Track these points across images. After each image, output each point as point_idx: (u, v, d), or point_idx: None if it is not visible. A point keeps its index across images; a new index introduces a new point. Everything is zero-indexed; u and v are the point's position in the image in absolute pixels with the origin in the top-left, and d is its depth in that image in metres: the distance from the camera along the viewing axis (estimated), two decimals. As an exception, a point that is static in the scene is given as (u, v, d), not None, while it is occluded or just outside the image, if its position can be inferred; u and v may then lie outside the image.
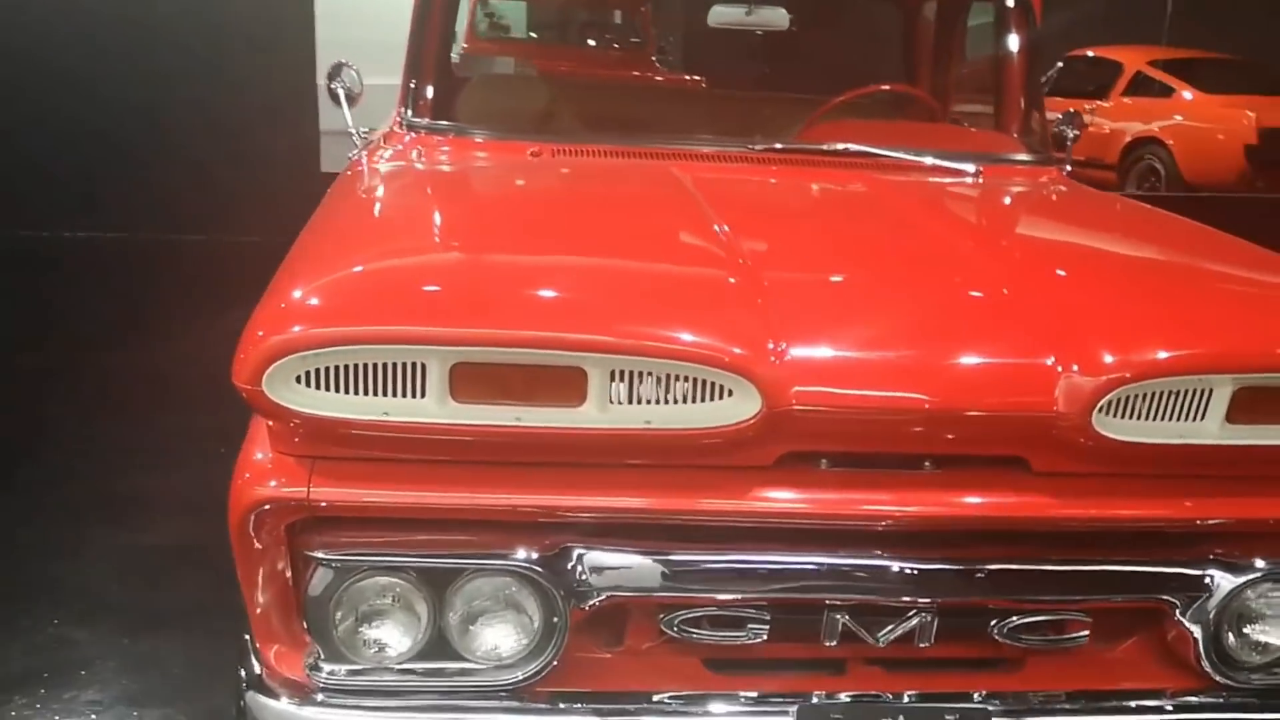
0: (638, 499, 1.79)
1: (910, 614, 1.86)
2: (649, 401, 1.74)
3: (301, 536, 1.80)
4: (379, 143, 3.03)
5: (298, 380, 1.70)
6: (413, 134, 3.00)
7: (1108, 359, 1.76)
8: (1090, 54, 10.25)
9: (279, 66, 7.21)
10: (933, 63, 3.42)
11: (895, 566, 1.83)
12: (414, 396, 1.72)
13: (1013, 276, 2.07)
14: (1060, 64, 10.42)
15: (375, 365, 1.71)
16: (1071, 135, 3.23)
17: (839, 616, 1.86)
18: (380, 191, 2.66)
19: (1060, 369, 1.77)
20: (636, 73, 8.75)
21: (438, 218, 2.34)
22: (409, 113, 3.06)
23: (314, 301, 1.78)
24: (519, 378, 1.73)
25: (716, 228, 2.18)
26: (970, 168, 2.88)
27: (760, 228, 2.32)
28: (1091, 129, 10.15)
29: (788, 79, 4.33)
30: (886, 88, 3.35)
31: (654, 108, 3.75)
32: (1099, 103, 10.05)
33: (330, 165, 9.29)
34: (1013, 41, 3.14)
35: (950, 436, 1.80)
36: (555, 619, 1.81)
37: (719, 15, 3.11)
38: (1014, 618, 1.90)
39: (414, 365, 1.71)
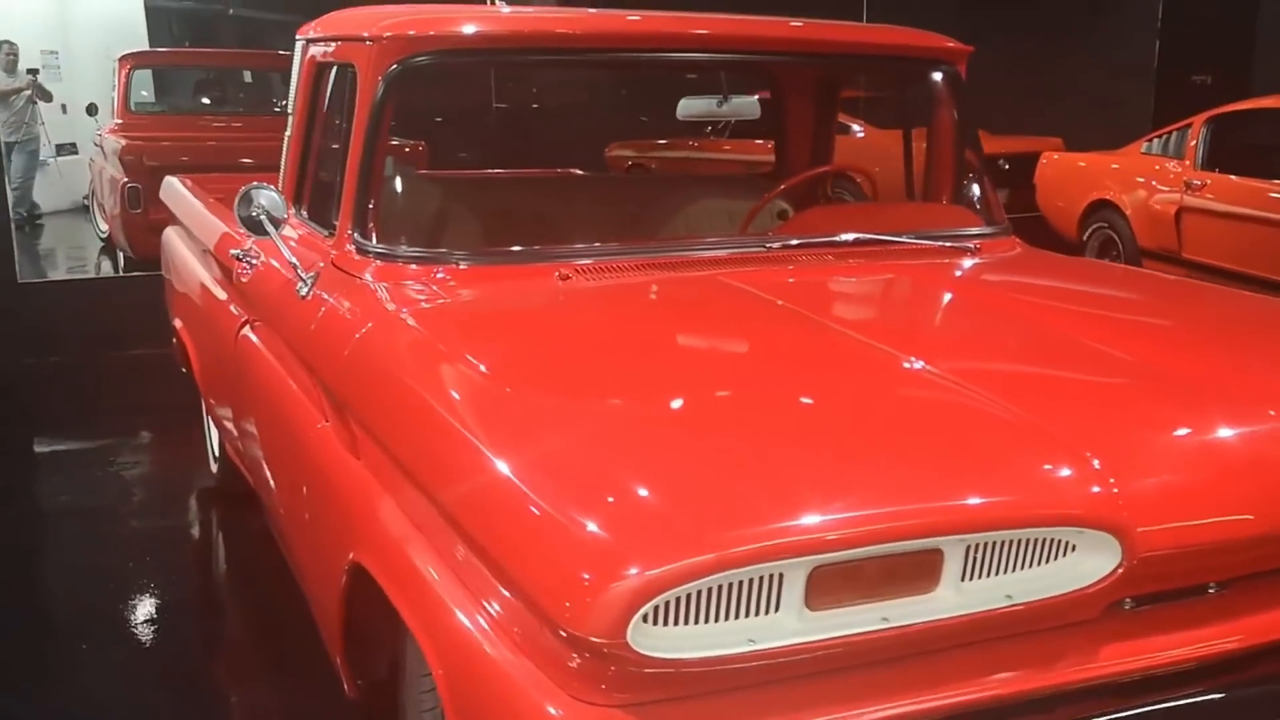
0: (1008, 677, 1.59)
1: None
2: (1004, 573, 1.55)
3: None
4: (334, 280, 2.59)
5: (644, 619, 1.37)
6: (379, 262, 2.59)
7: None
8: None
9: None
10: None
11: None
12: (769, 613, 1.43)
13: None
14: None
15: (729, 586, 1.41)
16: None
17: None
18: (500, 353, 2.17)
19: None
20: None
21: (660, 387, 1.94)
22: (368, 239, 2.64)
23: (669, 524, 1.45)
24: (874, 572, 1.48)
25: (910, 363, 1.99)
26: (971, 244, 2.86)
27: (937, 347, 2.16)
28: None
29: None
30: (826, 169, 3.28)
31: (606, 205, 3.49)
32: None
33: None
34: (956, 114, 3.14)
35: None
36: None
37: (688, 108, 2.90)
38: None
39: (769, 578, 1.43)
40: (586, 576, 1.37)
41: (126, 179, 7.70)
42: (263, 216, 2.75)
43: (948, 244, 2.85)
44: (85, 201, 11.09)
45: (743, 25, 2.90)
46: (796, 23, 2.95)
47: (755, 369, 2.09)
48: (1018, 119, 9.56)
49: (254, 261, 3.25)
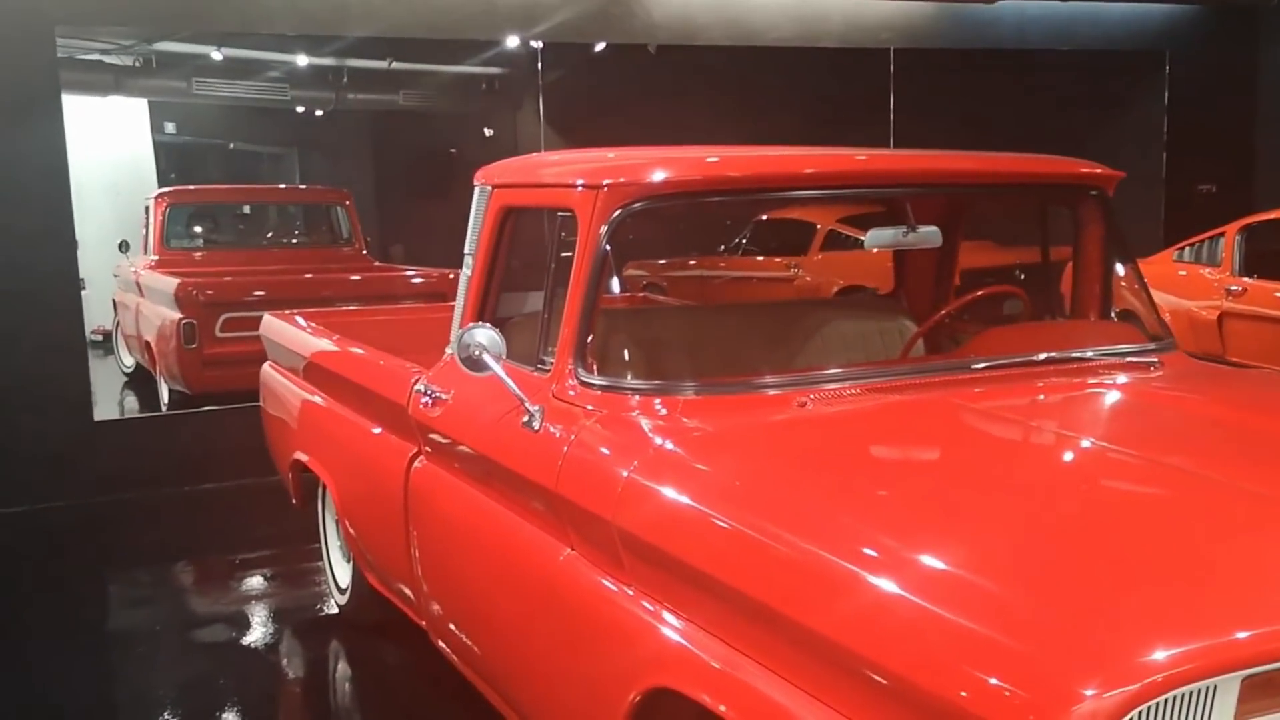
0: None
1: None
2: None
3: None
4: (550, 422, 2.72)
5: None
6: (593, 390, 2.72)
7: None
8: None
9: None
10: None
11: None
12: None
13: None
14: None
15: (1167, 702, 1.51)
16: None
17: None
18: (818, 480, 2.27)
19: None
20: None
21: (1001, 504, 2.06)
22: (590, 372, 2.77)
23: (1118, 642, 1.54)
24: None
25: (1208, 478, 2.12)
26: (1153, 359, 3.02)
27: (1220, 461, 2.27)
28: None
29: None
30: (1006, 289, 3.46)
31: (760, 330, 3.64)
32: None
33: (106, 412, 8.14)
34: (1110, 233, 3.34)
35: None
36: None
37: (878, 239, 3.08)
38: None
39: (1204, 691, 1.53)
40: (1042, 697, 1.47)
41: (182, 315, 7.78)
42: (484, 355, 2.87)
43: (1132, 359, 3.01)
44: (94, 337, 11.17)
45: (932, 160, 3.11)
46: (979, 156, 3.17)
47: (1075, 487, 2.21)
48: (1031, 228, 9.91)
49: (442, 395, 3.36)
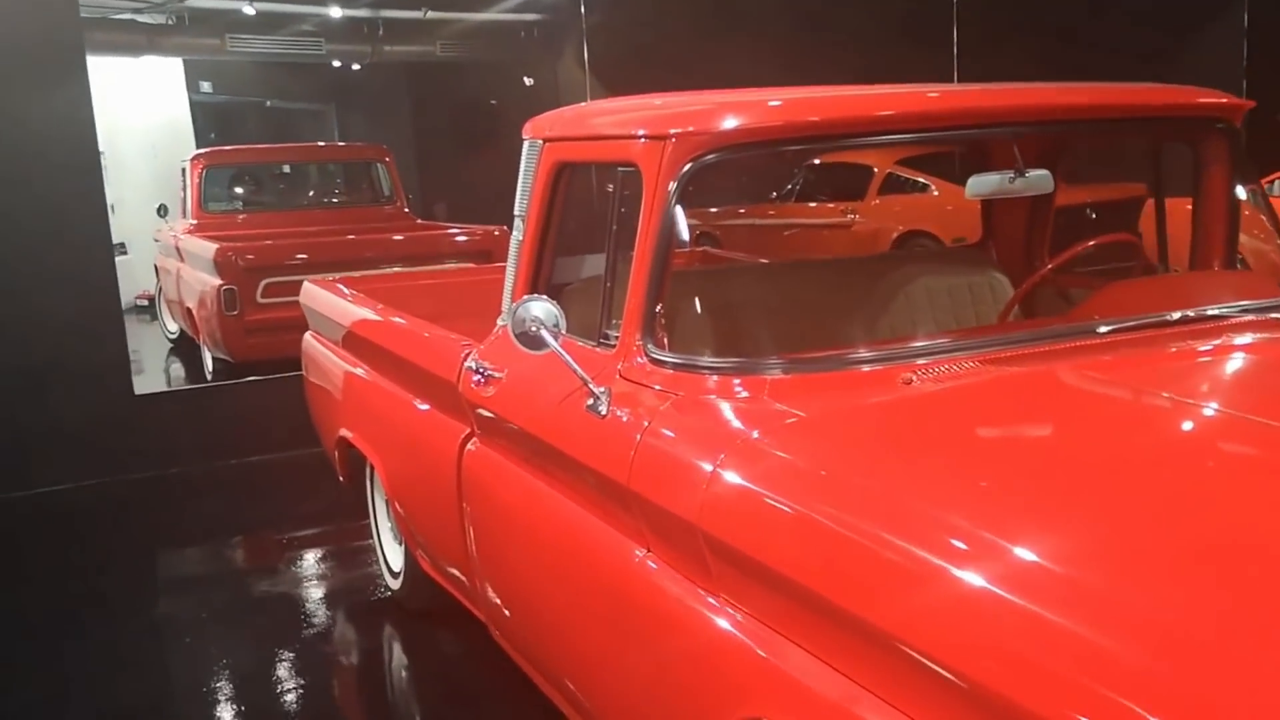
0: None
1: None
2: None
3: None
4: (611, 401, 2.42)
5: None
6: (664, 369, 2.41)
7: None
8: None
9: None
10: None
11: None
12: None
13: None
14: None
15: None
16: None
17: None
18: (959, 477, 1.91)
19: None
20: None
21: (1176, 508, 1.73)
22: (662, 349, 2.46)
23: None
24: None
25: None
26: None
27: None
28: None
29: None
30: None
31: (839, 292, 3.31)
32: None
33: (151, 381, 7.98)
34: (1236, 172, 2.96)
35: None
36: None
37: (979, 186, 2.70)
38: None
39: None
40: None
41: (222, 281, 7.55)
42: (542, 331, 2.57)
43: (1276, 314, 2.64)
44: (139, 303, 11.01)
45: (1041, 94, 2.73)
46: (1086, 88, 2.79)
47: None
48: (1094, 168, 9.41)
49: (495, 373, 3.06)
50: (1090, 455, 1.95)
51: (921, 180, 10.13)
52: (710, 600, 2.13)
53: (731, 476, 2.09)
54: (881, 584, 1.72)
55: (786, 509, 1.95)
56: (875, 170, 10.37)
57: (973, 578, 1.61)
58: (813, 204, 10.88)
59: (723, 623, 2.08)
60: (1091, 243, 3.07)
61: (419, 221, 9.82)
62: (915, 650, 1.63)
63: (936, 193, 10.11)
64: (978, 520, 1.73)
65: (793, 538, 1.93)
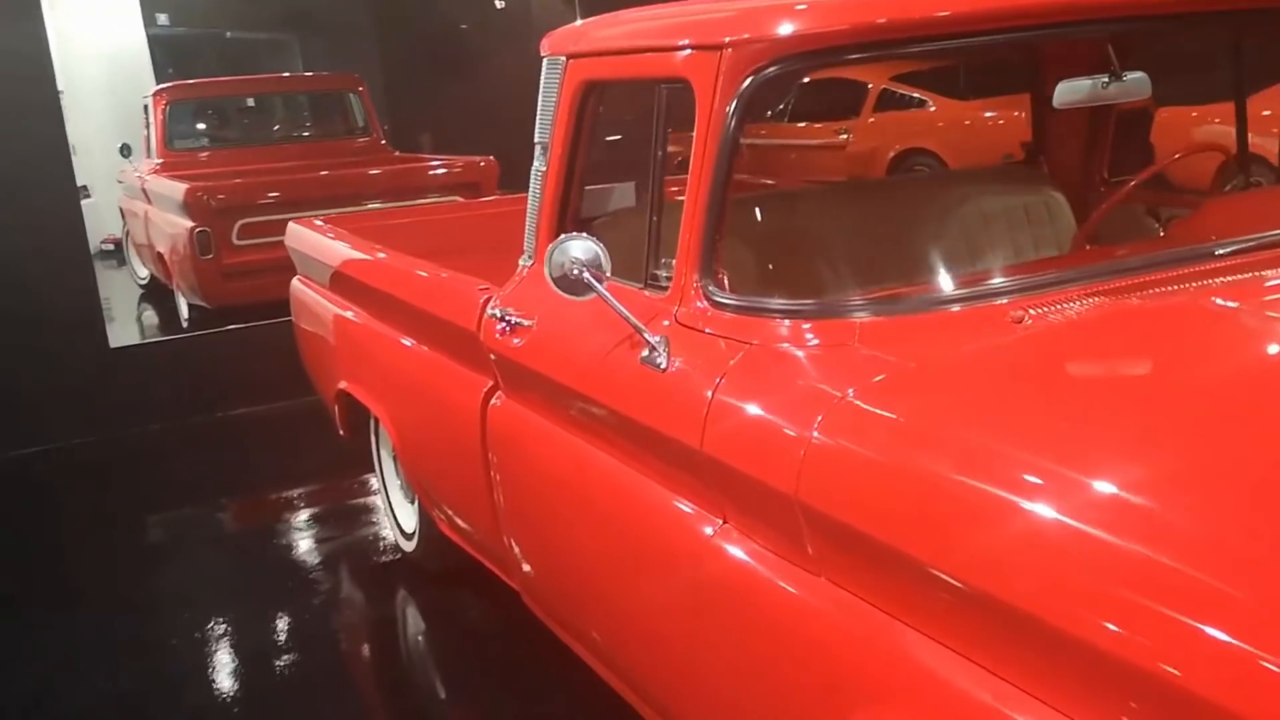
0: None
1: None
2: None
3: None
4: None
5: None
6: (726, 313, 2.11)
7: None
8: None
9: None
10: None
11: None
12: None
13: None
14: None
15: None
16: None
17: None
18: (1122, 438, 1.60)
19: None
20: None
21: None
22: (723, 291, 2.16)
23: None
24: None
25: None
26: None
27: None
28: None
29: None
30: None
31: (897, 214, 2.99)
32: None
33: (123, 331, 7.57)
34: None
35: None
36: None
37: (1069, 93, 2.38)
38: None
39: None
40: None
41: (194, 224, 7.14)
42: (585, 274, 2.26)
43: None
44: (105, 248, 10.57)
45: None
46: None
47: None
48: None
49: (523, 321, 2.75)
50: (1260, 397, 1.66)
51: (918, 96, 9.77)
52: (811, 580, 1.85)
53: (835, 440, 1.79)
54: (1025, 563, 1.45)
55: (912, 479, 1.66)
56: (870, 86, 10.00)
57: (1143, 555, 1.34)
58: (802, 124, 10.50)
59: (826, 605, 1.80)
60: (1177, 155, 2.77)
61: (397, 154, 9.40)
62: (1069, 637, 1.36)
63: (933, 108, 9.75)
64: (1143, 486, 1.46)
65: (914, 511, 1.65)
